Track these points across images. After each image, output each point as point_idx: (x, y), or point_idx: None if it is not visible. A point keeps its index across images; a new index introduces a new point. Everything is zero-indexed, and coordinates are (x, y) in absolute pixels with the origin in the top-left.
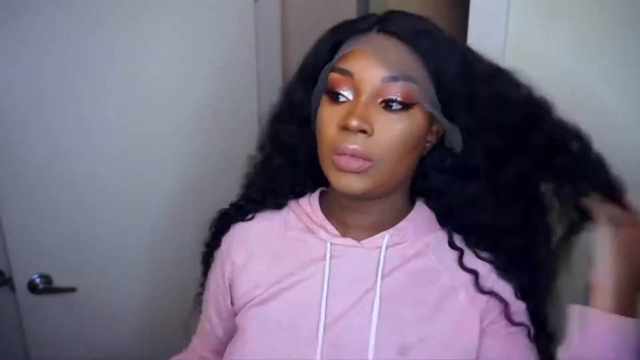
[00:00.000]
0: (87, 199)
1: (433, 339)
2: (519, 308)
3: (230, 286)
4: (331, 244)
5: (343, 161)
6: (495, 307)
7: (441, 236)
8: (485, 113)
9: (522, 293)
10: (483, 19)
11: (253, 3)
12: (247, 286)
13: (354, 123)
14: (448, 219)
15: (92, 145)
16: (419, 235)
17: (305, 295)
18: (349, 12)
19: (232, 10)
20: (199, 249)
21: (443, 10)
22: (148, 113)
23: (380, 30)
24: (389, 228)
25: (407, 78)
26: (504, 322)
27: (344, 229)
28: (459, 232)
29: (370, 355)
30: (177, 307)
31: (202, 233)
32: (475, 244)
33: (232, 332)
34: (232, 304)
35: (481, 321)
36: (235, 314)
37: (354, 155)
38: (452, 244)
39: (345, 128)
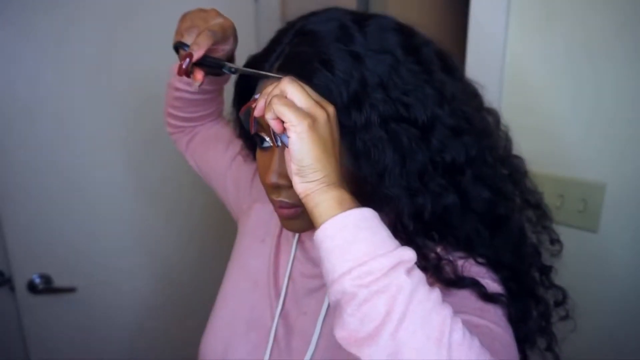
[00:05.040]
0: (87, 199)
1: None
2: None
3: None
4: None
5: (277, 210)
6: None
7: None
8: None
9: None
10: (483, 23)
11: (253, 3)
12: (252, 222)
13: (269, 182)
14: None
15: (93, 145)
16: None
17: (275, 265)
18: None
19: (232, 10)
20: (198, 249)
21: (443, 14)
22: (148, 113)
23: (280, 70)
24: None
25: None
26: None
27: None
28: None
29: (314, 341)
30: (177, 307)
31: (203, 234)
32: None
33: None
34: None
35: None
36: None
37: (282, 206)
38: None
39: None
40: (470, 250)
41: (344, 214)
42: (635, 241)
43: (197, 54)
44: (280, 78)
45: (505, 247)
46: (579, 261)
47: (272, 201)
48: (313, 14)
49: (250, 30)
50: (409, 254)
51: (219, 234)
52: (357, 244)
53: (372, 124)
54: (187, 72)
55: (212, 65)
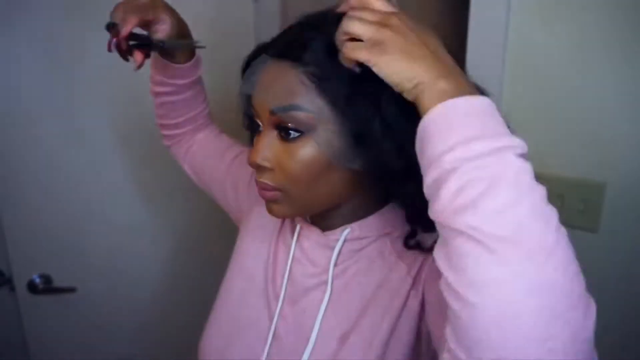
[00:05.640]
0: (87, 199)
1: (367, 327)
2: None
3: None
4: (300, 227)
5: (259, 192)
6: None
7: (403, 234)
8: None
9: None
10: (483, 21)
11: (253, 3)
12: (254, 223)
13: (251, 162)
14: (411, 218)
15: (93, 145)
16: (382, 232)
17: (273, 265)
18: None
19: (232, 10)
20: (200, 249)
21: (443, 11)
22: (149, 113)
23: (273, 55)
24: (354, 222)
25: (291, 107)
26: None
27: (315, 217)
28: (425, 230)
29: (312, 339)
30: (177, 307)
31: (204, 234)
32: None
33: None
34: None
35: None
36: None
37: (263, 188)
38: (405, 242)
39: None
40: None
41: (453, 100)
42: (635, 241)
43: (124, 30)
44: (204, 47)
45: None
46: (579, 261)
47: (256, 182)
48: (322, 11)
49: (250, 30)
50: (521, 142)
51: (220, 234)
52: (464, 126)
53: (360, 92)
54: (121, 51)
55: (143, 43)
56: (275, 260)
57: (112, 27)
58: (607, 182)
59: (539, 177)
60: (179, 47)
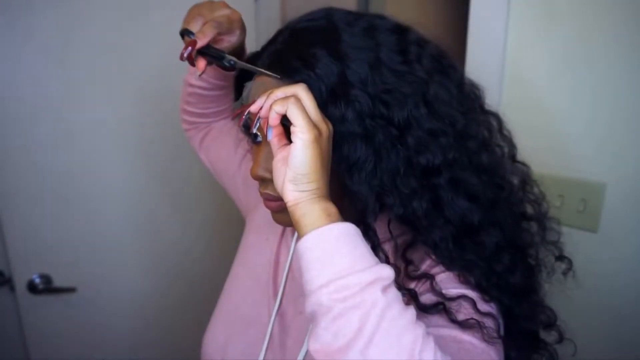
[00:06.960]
0: (87, 199)
1: None
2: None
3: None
4: None
5: (265, 203)
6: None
7: (402, 242)
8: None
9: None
10: (483, 23)
11: (253, 3)
12: (257, 222)
13: (254, 174)
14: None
15: (93, 145)
16: (383, 238)
17: (276, 264)
18: None
19: None
20: (201, 249)
21: (442, 13)
22: (149, 113)
23: (267, 69)
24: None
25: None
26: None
27: None
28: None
29: (307, 343)
30: (178, 307)
31: (206, 234)
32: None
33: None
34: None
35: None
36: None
37: (268, 199)
38: (405, 250)
39: None
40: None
41: (328, 226)
42: (635, 241)
43: (201, 42)
44: (277, 77)
45: (476, 262)
46: (579, 261)
47: (260, 194)
48: (308, 14)
49: (250, 30)
50: (387, 272)
51: (220, 236)
52: (337, 257)
53: (347, 119)
54: (190, 60)
55: (214, 56)
56: (277, 259)
57: (188, 37)
58: (607, 182)
59: (539, 178)
60: (250, 72)
